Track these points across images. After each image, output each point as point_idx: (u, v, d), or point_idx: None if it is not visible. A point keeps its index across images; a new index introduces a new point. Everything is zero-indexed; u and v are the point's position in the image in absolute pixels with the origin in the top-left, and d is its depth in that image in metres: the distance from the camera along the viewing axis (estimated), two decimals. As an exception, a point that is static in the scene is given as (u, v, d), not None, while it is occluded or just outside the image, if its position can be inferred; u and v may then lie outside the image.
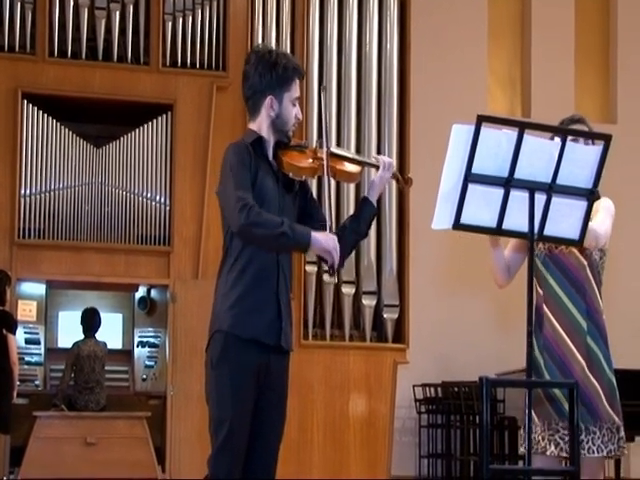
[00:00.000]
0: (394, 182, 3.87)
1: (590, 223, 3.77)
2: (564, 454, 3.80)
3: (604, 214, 3.89)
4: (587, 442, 3.78)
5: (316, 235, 3.54)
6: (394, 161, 3.84)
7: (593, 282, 3.90)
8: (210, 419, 3.55)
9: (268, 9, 8.47)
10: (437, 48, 10.20)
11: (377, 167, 3.76)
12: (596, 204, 3.91)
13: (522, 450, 3.91)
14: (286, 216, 3.63)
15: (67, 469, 7.73)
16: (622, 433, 3.85)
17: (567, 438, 3.77)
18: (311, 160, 3.68)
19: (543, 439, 3.85)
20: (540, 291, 3.93)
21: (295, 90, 3.71)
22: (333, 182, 3.77)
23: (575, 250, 3.88)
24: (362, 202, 3.81)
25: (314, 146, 3.75)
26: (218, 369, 3.53)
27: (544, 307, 3.91)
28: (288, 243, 3.52)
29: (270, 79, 3.65)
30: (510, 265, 4.03)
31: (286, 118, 3.68)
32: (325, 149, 3.66)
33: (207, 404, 3.58)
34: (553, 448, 3.82)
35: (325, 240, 3.55)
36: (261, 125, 3.69)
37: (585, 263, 3.90)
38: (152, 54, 8.31)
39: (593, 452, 3.78)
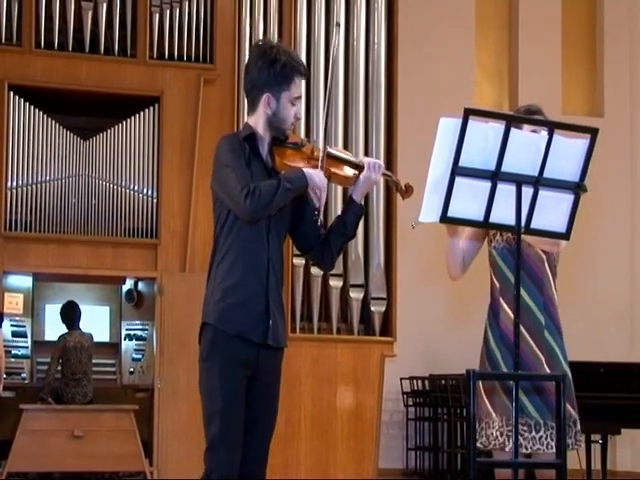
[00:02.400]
0: (394, 189, 3.80)
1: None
2: (523, 450, 3.78)
3: None
4: (546, 438, 3.76)
5: (310, 172, 3.55)
6: (381, 162, 3.75)
7: (550, 275, 3.90)
8: (203, 413, 3.54)
9: (256, 2, 8.46)
10: (424, 41, 10.21)
11: (361, 168, 3.69)
12: None
13: (478, 445, 3.88)
14: (277, 214, 3.60)
15: (54, 462, 7.73)
16: (579, 426, 3.84)
17: (526, 434, 3.77)
18: (306, 159, 3.63)
19: (502, 435, 3.82)
20: (496, 283, 3.92)
21: (295, 90, 3.63)
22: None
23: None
24: (348, 202, 3.78)
25: (311, 145, 3.70)
26: (208, 362, 3.52)
27: (500, 300, 3.89)
28: (292, 194, 3.54)
29: (268, 76, 3.59)
30: (465, 255, 3.99)
31: (283, 117, 3.63)
32: (322, 150, 3.61)
33: (200, 397, 3.57)
34: (512, 445, 3.79)
35: (317, 177, 3.55)
36: (258, 121, 3.65)
37: (544, 257, 3.90)
38: (139, 46, 8.28)
39: (552, 448, 3.75)
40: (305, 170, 3.54)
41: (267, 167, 3.64)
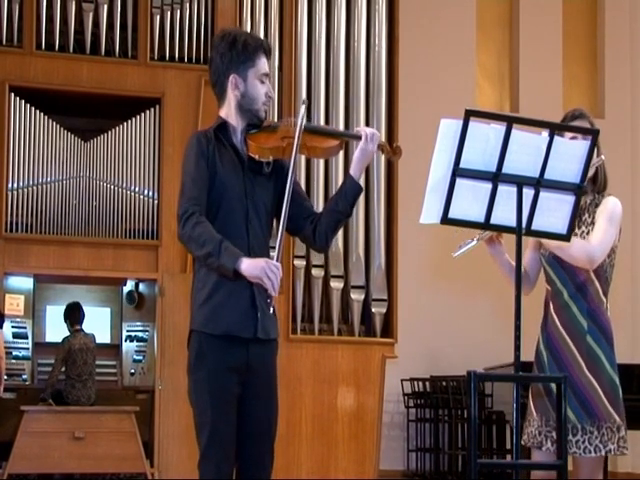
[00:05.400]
0: (381, 154, 3.63)
1: (587, 243, 3.78)
2: None
3: (605, 227, 3.85)
4: (583, 442, 3.78)
5: (244, 261, 3.31)
6: (378, 132, 3.57)
7: (596, 281, 3.89)
8: (194, 423, 3.47)
9: (256, 3, 8.46)
10: (425, 42, 10.20)
11: (359, 138, 3.53)
12: (602, 206, 3.90)
13: (522, 442, 3.93)
14: (255, 202, 3.50)
15: (55, 463, 7.73)
16: (623, 432, 3.84)
17: None
18: (280, 139, 3.49)
19: (540, 434, 3.87)
20: (549, 287, 3.95)
21: (261, 66, 3.53)
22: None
23: None
24: (345, 179, 3.61)
25: (287, 125, 3.54)
26: (195, 373, 3.44)
27: (550, 304, 3.93)
28: (214, 264, 3.33)
29: (230, 57, 3.51)
30: (528, 270, 4.02)
31: (253, 96, 3.52)
32: (298, 124, 3.43)
33: (191, 408, 3.50)
34: (549, 445, 3.83)
35: (252, 267, 3.29)
36: (229, 109, 3.55)
37: None
38: (140, 48, 8.28)
39: (590, 452, 3.78)
40: (242, 258, 3.30)
41: (240, 156, 3.52)
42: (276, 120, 4.04)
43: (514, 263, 4.01)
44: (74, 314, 8.45)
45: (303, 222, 3.59)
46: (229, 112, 3.55)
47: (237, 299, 3.44)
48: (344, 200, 3.55)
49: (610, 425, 3.80)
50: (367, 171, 8.20)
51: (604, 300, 3.91)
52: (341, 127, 8.46)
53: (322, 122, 8.43)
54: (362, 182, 3.64)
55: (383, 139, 3.62)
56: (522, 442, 3.91)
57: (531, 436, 3.90)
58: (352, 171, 3.57)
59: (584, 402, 3.78)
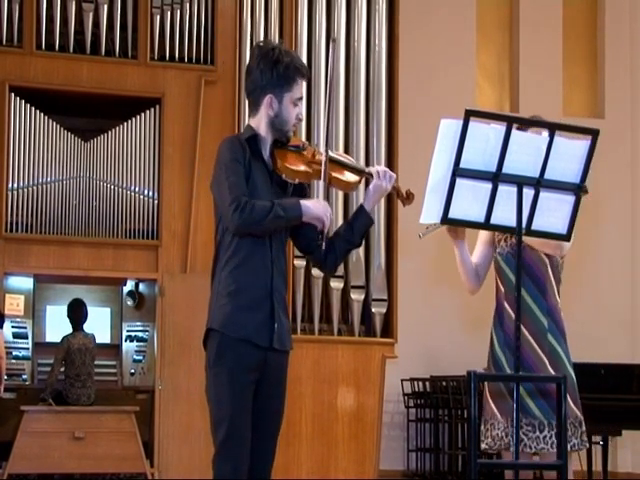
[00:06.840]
0: (395, 196, 3.76)
1: None
2: (527, 450, 3.85)
3: None
4: (551, 437, 3.82)
5: (306, 204, 3.53)
6: (392, 172, 3.71)
7: (553, 280, 3.95)
8: (210, 419, 3.52)
9: (256, 3, 8.46)
10: (425, 42, 10.20)
11: (371, 176, 3.67)
12: None
13: (484, 446, 3.95)
14: None
15: (55, 463, 7.73)
16: (584, 427, 3.90)
17: (530, 434, 3.84)
18: (307, 163, 3.61)
19: (507, 435, 3.89)
20: (502, 288, 3.96)
21: (297, 91, 3.63)
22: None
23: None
24: (357, 211, 3.75)
25: (312, 149, 3.68)
26: (215, 368, 3.50)
27: (505, 304, 3.94)
28: (283, 223, 3.53)
29: (271, 77, 3.59)
30: (478, 269, 4.07)
31: (286, 118, 3.62)
32: (324, 154, 3.58)
33: (208, 404, 3.55)
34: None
35: (316, 207, 3.54)
36: (260, 122, 3.64)
37: (547, 261, 3.95)
38: (140, 48, 8.28)
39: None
40: (302, 202, 3.53)
41: (268, 169, 3.63)
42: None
43: (473, 259, 4.07)
44: (77, 312, 8.44)
45: (316, 244, 3.67)
46: (259, 125, 3.65)
47: (257, 308, 3.52)
48: (356, 232, 3.70)
49: (573, 421, 3.85)
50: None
51: (559, 299, 3.95)
52: (341, 129, 8.47)
53: (322, 122, 8.43)
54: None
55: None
56: (486, 446, 3.94)
57: (497, 439, 3.91)
58: (366, 205, 3.71)
59: (549, 399, 3.80)
